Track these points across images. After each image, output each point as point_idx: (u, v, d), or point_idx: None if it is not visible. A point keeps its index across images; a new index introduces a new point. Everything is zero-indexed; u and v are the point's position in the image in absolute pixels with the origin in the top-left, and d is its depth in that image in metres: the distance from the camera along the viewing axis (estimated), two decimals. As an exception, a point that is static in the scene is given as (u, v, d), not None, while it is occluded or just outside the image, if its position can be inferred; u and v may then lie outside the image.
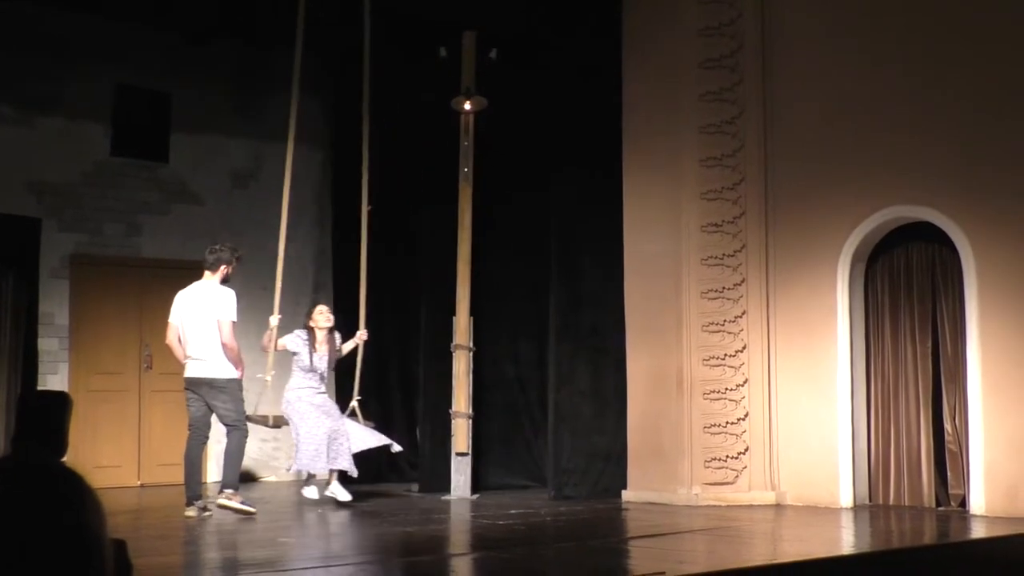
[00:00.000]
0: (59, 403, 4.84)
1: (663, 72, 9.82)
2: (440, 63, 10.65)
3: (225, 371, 8.86)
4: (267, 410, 9.51)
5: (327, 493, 9.50)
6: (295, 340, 9.64)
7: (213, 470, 11.59)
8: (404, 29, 10.66)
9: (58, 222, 11.55)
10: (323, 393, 9.73)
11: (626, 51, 10.09)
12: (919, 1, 8.89)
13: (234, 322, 8.94)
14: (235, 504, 8.78)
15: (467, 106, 10.52)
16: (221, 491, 8.90)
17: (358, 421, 9.71)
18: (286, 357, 9.82)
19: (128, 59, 11.78)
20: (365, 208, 10.04)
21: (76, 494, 1.53)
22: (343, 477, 9.56)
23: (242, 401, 9.06)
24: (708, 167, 9.60)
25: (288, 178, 9.76)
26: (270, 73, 12.67)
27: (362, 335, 9.89)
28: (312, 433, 9.37)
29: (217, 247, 9.28)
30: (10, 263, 10.67)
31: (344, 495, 9.42)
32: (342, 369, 10.24)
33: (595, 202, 10.23)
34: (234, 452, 9.00)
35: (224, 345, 8.80)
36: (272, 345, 9.48)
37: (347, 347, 9.91)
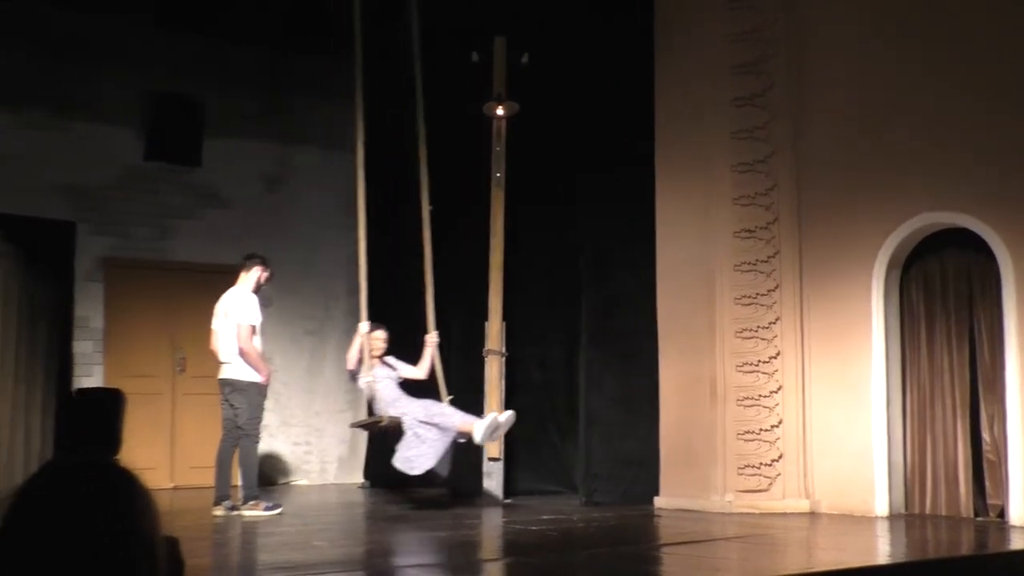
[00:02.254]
0: (113, 400, 4.86)
1: (695, 77, 9.77)
2: (472, 68, 10.65)
3: (245, 374, 9.04)
4: (376, 413, 9.32)
5: (491, 430, 9.10)
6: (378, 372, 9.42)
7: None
8: (436, 34, 10.66)
9: (91, 225, 11.63)
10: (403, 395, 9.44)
11: (658, 56, 10.05)
12: (951, 6, 8.81)
13: (253, 327, 9.05)
14: (258, 513, 8.86)
15: (499, 111, 10.51)
16: (244, 503, 9.00)
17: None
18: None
19: (161, 64, 11.85)
20: (426, 208, 9.81)
21: (130, 493, 1.52)
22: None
23: (258, 408, 9.12)
24: (740, 172, 9.54)
25: (361, 178, 9.52)
26: (300, 78, 12.72)
27: (431, 339, 9.67)
28: (428, 416, 9.09)
29: (251, 254, 9.46)
30: (45, 266, 10.74)
31: (505, 417, 9.18)
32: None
33: (626, 207, 10.20)
34: (243, 460, 9.09)
35: (240, 349, 8.96)
36: (366, 352, 9.25)
37: (424, 365, 9.65)
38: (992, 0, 8.65)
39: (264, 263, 9.40)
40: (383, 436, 9.58)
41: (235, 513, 8.92)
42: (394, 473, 9.61)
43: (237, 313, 9.06)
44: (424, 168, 9.77)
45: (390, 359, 9.71)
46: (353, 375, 9.53)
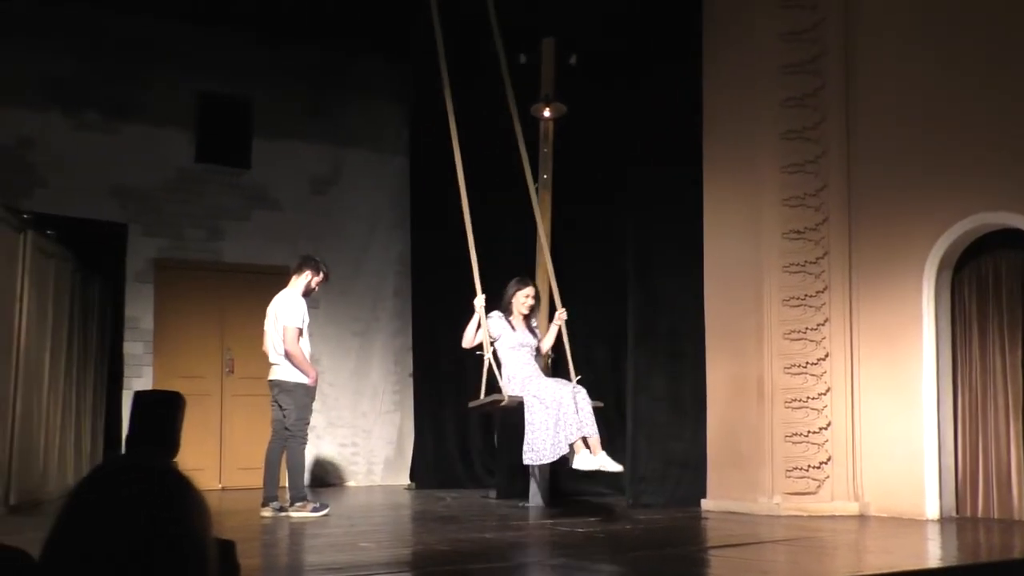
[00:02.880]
0: (173, 403, 4.91)
1: (744, 77, 9.72)
2: (520, 69, 10.65)
3: (292, 375, 9.12)
4: (495, 392, 8.73)
5: (595, 467, 8.51)
6: (496, 323, 9.01)
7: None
8: (484, 35, 10.68)
9: (143, 227, 11.76)
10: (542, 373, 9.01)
11: (706, 56, 10.01)
12: (1006, 4, 8.70)
13: (299, 329, 9.12)
14: (306, 514, 8.92)
15: (546, 113, 10.52)
16: (292, 504, 9.06)
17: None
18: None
19: (211, 66, 11.97)
20: (532, 187, 9.54)
21: (182, 496, 1.54)
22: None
23: (305, 409, 9.17)
24: (790, 173, 9.48)
25: (458, 159, 9.12)
26: (350, 79, 12.80)
27: (561, 315, 9.24)
28: (553, 404, 8.51)
29: (305, 256, 9.53)
30: (97, 267, 10.87)
31: (614, 466, 8.50)
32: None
33: (673, 207, 10.16)
34: (290, 461, 9.16)
35: (286, 351, 9.04)
36: (484, 329, 8.79)
37: (549, 338, 9.32)
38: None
39: (316, 267, 9.43)
40: (497, 421, 8.97)
41: (283, 514, 8.99)
42: (442, 475, 9.63)
43: (284, 315, 9.15)
44: (523, 148, 9.60)
45: (535, 324, 9.32)
46: (477, 351, 8.96)
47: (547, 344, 9.46)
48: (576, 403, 8.55)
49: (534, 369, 9.03)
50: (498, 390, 8.77)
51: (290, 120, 12.50)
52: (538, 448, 8.54)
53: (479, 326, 8.91)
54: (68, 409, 9.96)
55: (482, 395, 8.86)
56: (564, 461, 8.82)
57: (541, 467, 10.17)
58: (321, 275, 9.44)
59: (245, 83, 12.20)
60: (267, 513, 9.03)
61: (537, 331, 9.42)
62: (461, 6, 9.76)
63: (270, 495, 9.14)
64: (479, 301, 8.93)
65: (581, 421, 8.50)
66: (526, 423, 8.61)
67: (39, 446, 9.03)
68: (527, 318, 9.32)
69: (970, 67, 8.80)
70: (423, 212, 12.62)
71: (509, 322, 9.16)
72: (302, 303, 9.26)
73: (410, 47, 11.55)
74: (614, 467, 8.59)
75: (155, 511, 1.49)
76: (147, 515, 1.48)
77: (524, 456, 8.69)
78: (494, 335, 8.97)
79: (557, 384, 8.77)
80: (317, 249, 10.68)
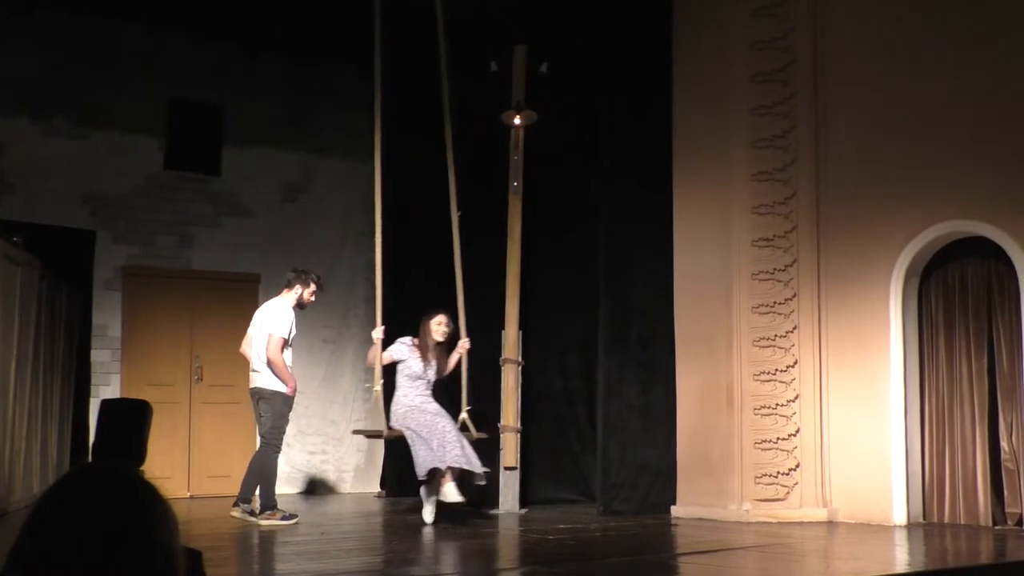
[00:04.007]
0: (140, 411, 4.90)
1: (714, 86, 9.78)
2: (491, 77, 10.67)
3: (271, 383, 9.10)
4: (380, 423, 9.06)
5: (440, 496, 8.96)
6: (400, 348, 9.23)
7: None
8: (455, 43, 10.69)
9: (112, 234, 11.69)
10: (434, 402, 9.25)
11: (676, 65, 10.06)
12: (974, 13, 8.79)
13: (284, 339, 9.09)
14: (275, 522, 8.88)
15: (517, 120, 10.53)
16: (261, 512, 9.01)
17: (470, 433, 9.25)
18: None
19: (181, 72, 11.91)
20: (455, 214, 9.76)
21: (148, 502, 1.53)
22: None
23: (281, 418, 9.15)
24: (759, 181, 9.54)
25: (378, 182, 9.45)
26: (321, 87, 12.76)
27: (464, 344, 9.53)
28: (431, 434, 8.87)
29: (296, 271, 9.51)
30: (65, 275, 10.79)
31: (456, 496, 8.90)
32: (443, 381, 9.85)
33: (644, 215, 10.20)
34: (256, 466, 9.09)
35: (268, 359, 9.02)
36: (378, 359, 9.10)
37: (452, 360, 9.53)
38: (1015, 12, 8.61)
39: (306, 281, 9.38)
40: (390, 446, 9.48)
41: (252, 519, 8.96)
42: (413, 483, 9.61)
43: (271, 323, 9.13)
44: (452, 175, 9.75)
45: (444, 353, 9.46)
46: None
47: (448, 367, 9.52)
48: (456, 438, 8.89)
49: (422, 401, 9.16)
50: (386, 420, 9.06)
51: (261, 127, 12.45)
52: (420, 462, 8.86)
53: (375, 358, 9.14)
54: (35, 417, 9.88)
55: (365, 424, 9.33)
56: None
57: (511, 474, 10.18)
58: (312, 287, 9.42)
59: (215, 90, 12.15)
60: (236, 513, 9.04)
61: (447, 362, 9.50)
62: (428, 12, 9.74)
63: (244, 497, 9.13)
64: (376, 333, 9.16)
65: (457, 456, 8.81)
66: (412, 454, 8.93)
67: (5, 455, 8.95)
68: (440, 346, 9.38)
69: (938, 77, 8.88)
70: (393, 219, 12.59)
71: (420, 352, 9.25)
72: (291, 314, 9.24)
73: (379, 56, 11.52)
74: (455, 497, 8.90)
75: (121, 519, 1.48)
76: (113, 523, 1.47)
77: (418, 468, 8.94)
78: (398, 358, 9.20)
79: (438, 418, 9.01)
80: (287, 256, 10.65)
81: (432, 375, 9.33)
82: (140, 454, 5.12)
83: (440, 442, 8.83)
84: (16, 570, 1.45)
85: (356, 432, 9.84)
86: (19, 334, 9.28)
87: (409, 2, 9.72)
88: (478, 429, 9.34)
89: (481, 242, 10.81)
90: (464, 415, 9.38)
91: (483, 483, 9.18)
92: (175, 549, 1.53)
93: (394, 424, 9.05)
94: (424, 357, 9.23)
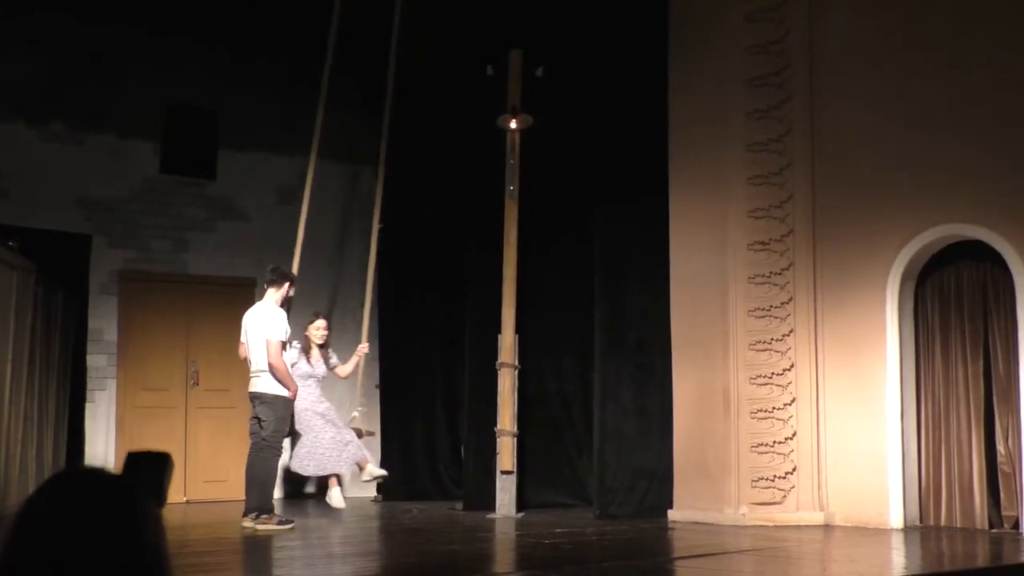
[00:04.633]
0: (161, 462, 4.87)
1: (710, 90, 9.77)
2: (487, 81, 10.67)
3: (272, 387, 9.04)
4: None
5: (326, 499, 10.04)
6: (291, 353, 9.79)
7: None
8: (452, 47, 10.71)
9: (107, 238, 11.67)
10: (324, 401, 10.09)
11: (672, 69, 10.05)
12: (970, 16, 8.80)
13: (282, 342, 9.06)
14: (271, 527, 8.84)
15: (513, 124, 10.53)
16: (258, 516, 8.95)
17: (359, 430, 10.27)
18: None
19: (176, 76, 11.90)
20: (376, 227, 10.57)
21: (136, 508, 1.53)
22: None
23: (283, 421, 9.10)
24: (755, 185, 9.54)
25: (307, 196, 9.73)
26: (317, 90, 12.75)
27: (363, 348, 10.40)
28: (315, 441, 9.85)
29: (275, 267, 9.48)
30: (61, 279, 10.78)
31: (339, 502, 9.93)
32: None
33: (640, 219, 10.20)
34: (259, 472, 9.04)
35: (270, 364, 8.96)
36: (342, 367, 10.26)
37: (348, 367, 10.30)
38: (1012, 15, 8.61)
39: (289, 277, 9.41)
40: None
41: (248, 525, 8.90)
42: (410, 487, 9.68)
43: (267, 329, 9.05)
44: (379, 188, 10.13)
45: (331, 352, 10.26)
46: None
47: (346, 371, 10.35)
48: (339, 444, 9.92)
49: (313, 401, 9.96)
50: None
51: (256, 131, 12.44)
52: (304, 462, 9.97)
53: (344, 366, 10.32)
54: (30, 421, 9.87)
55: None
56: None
57: (508, 478, 10.17)
58: (294, 286, 9.53)
59: (211, 94, 12.14)
60: (247, 523, 8.93)
61: (330, 359, 10.24)
62: (428, 21, 9.75)
63: (249, 507, 9.06)
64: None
65: (337, 460, 9.94)
66: (300, 441, 9.99)
67: (1, 459, 8.94)
68: (322, 348, 10.11)
69: (934, 80, 8.88)
70: (389, 223, 12.59)
71: (305, 353, 10.01)
72: (282, 315, 9.19)
73: (376, 59, 11.52)
74: (338, 501, 10.00)
75: (107, 522, 1.48)
76: (99, 527, 1.47)
77: (292, 463, 10.13)
78: (290, 361, 9.62)
79: (325, 425, 9.93)
80: (283, 260, 10.62)
81: (321, 373, 10.06)
82: (161, 500, 5.17)
83: (324, 450, 9.86)
84: (3, 571, 1.44)
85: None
86: (15, 338, 9.27)
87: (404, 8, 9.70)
88: (367, 431, 10.54)
89: (477, 246, 10.83)
90: (356, 413, 10.41)
91: (370, 479, 10.35)
92: (163, 551, 1.53)
93: (297, 425, 9.87)
94: (308, 358, 9.96)
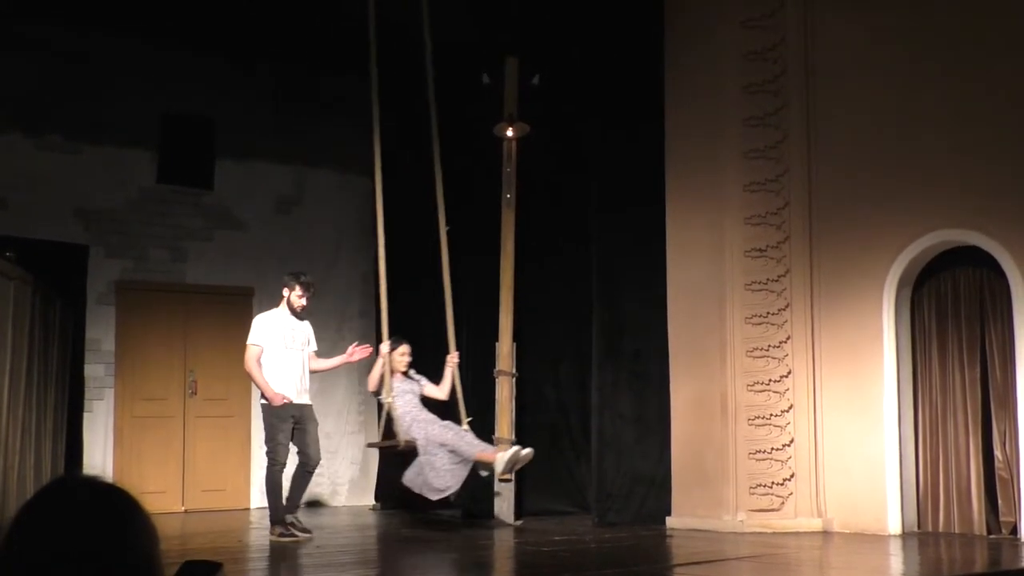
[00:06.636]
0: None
1: (706, 97, 9.79)
2: (483, 89, 10.68)
3: (260, 397, 9.09)
4: (394, 434, 9.23)
5: (509, 465, 9.23)
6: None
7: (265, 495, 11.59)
8: (447, 55, 10.71)
9: (104, 248, 11.66)
10: (425, 411, 9.53)
11: (668, 76, 10.07)
12: (965, 22, 8.82)
13: (254, 346, 9.04)
14: (273, 537, 8.83)
15: (509, 132, 10.54)
16: (272, 528, 8.96)
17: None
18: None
19: (173, 86, 11.89)
20: (443, 229, 9.78)
21: (130, 516, 1.53)
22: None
23: (272, 429, 9.04)
24: (752, 192, 9.55)
25: (379, 194, 9.40)
26: (314, 99, 12.76)
27: (453, 358, 9.72)
28: (428, 462, 9.19)
29: (288, 273, 9.48)
30: (58, 289, 10.77)
31: (502, 463, 9.13)
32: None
33: (637, 226, 10.20)
34: (266, 483, 9.06)
35: (246, 371, 9.04)
36: (384, 372, 9.30)
37: (444, 386, 9.70)
38: (1009, 22, 8.63)
39: (289, 284, 9.32)
40: (400, 458, 9.58)
41: (301, 535, 8.85)
42: (407, 494, 9.64)
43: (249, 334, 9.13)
44: (440, 189, 9.74)
45: (414, 373, 9.77)
46: (376, 395, 9.62)
47: (444, 391, 9.72)
48: (458, 445, 9.20)
49: (421, 412, 9.46)
50: (394, 435, 9.21)
51: (254, 140, 12.44)
52: (434, 483, 9.15)
53: (382, 372, 9.30)
54: (28, 432, 9.85)
55: (379, 438, 9.47)
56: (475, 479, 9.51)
57: (506, 486, 10.16)
58: (298, 289, 9.25)
59: (208, 103, 12.14)
60: (274, 535, 8.89)
61: (419, 379, 9.78)
62: (421, 26, 9.75)
63: (287, 508, 9.05)
64: (384, 347, 9.31)
65: (473, 447, 9.21)
66: (423, 463, 9.19)
67: (-1, 470, 8.93)
68: (405, 374, 9.66)
69: (929, 86, 8.90)
70: (387, 233, 12.59)
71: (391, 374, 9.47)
72: (263, 321, 9.17)
73: (374, 67, 11.53)
74: (524, 451, 9.25)
75: (102, 531, 1.48)
76: (94, 535, 1.47)
77: (411, 483, 9.29)
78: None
79: (444, 426, 9.32)
80: (282, 270, 10.62)
81: (417, 387, 9.62)
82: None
83: (449, 456, 9.16)
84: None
85: (370, 446, 9.89)
86: (12, 349, 9.27)
87: (400, 17, 9.71)
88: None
89: (474, 254, 10.82)
90: (465, 426, 9.48)
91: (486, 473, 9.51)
92: (157, 560, 1.53)
93: (407, 435, 9.22)
94: (401, 377, 9.54)
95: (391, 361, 9.43)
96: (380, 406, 9.50)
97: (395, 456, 9.60)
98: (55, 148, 11.48)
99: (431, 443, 9.18)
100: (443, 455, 9.15)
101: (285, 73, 12.47)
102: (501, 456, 9.17)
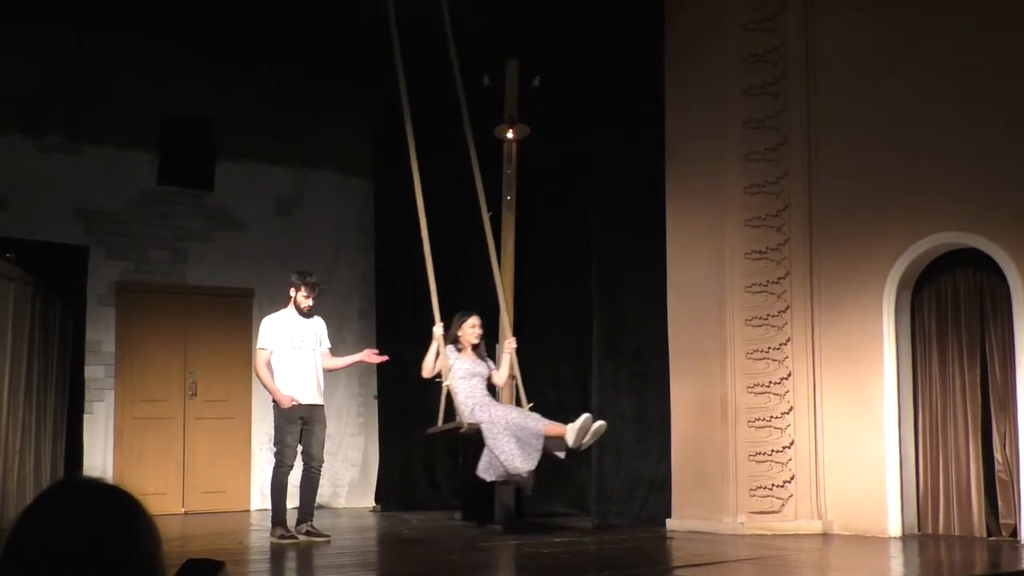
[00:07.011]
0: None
1: (706, 100, 9.79)
2: (483, 91, 10.68)
3: (269, 397, 9.10)
4: (455, 417, 8.95)
5: (580, 437, 8.75)
6: (450, 354, 9.18)
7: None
8: (447, 57, 10.71)
9: (104, 250, 11.66)
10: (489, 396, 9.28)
11: (668, 78, 10.07)
12: (966, 26, 8.82)
13: (262, 350, 9.06)
14: (274, 539, 8.82)
15: (510, 134, 10.54)
16: (273, 528, 8.96)
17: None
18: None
19: (173, 87, 11.89)
20: (486, 215, 9.65)
21: (132, 518, 1.54)
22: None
23: (279, 430, 9.06)
24: (752, 194, 9.55)
25: (417, 181, 9.22)
26: (314, 99, 12.76)
27: (511, 343, 9.41)
28: (509, 431, 8.81)
29: (295, 272, 9.46)
30: (58, 291, 10.77)
31: (572, 435, 8.70)
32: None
33: (637, 227, 10.20)
34: (270, 484, 9.07)
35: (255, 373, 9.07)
36: (437, 358, 9.02)
37: (503, 370, 9.38)
38: (1010, 21, 8.63)
39: (295, 284, 9.29)
40: (461, 443, 9.26)
41: (318, 538, 8.85)
42: (483, 487, 9.58)
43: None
44: (478, 176, 9.67)
45: (484, 353, 9.46)
46: (436, 379, 9.20)
47: (502, 377, 9.46)
48: (524, 422, 8.84)
49: (485, 396, 9.17)
50: (455, 418, 8.95)
51: (254, 141, 12.43)
52: (507, 464, 8.76)
53: (438, 355, 9.06)
54: (28, 433, 9.86)
55: (440, 423, 9.06)
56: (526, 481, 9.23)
57: (506, 487, 10.15)
58: (304, 288, 9.18)
59: (208, 104, 12.14)
60: (300, 537, 8.88)
61: (488, 361, 9.48)
62: (425, 27, 9.76)
63: (300, 516, 9.04)
64: (438, 330, 9.07)
65: (540, 421, 8.84)
66: (488, 447, 8.86)
67: (-1, 471, 8.93)
68: (476, 348, 9.39)
69: (931, 88, 8.91)
70: (388, 234, 12.60)
71: (459, 353, 9.27)
72: (269, 323, 9.17)
73: (374, 70, 11.53)
74: (597, 423, 8.82)
75: (104, 533, 1.48)
76: (96, 537, 1.47)
77: (485, 474, 8.96)
78: (450, 363, 9.08)
79: (508, 408, 9.09)
80: (282, 271, 10.62)
81: (485, 371, 9.31)
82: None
83: (523, 430, 8.79)
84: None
85: (431, 433, 9.43)
86: (12, 350, 9.27)
87: (410, 18, 9.70)
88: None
89: (474, 254, 10.82)
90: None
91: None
92: (159, 561, 1.53)
93: (471, 419, 8.91)
94: (473, 355, 9.24)
95: (463, 336, 9.27)
96: (439, 391, 9.11)
97: (456, 442, 9.16)
98: (55, 149, 11.47)
99: (496, 425, 8.84)
100: (508, 438, 8.79)
101: (285, 73, 12.46)
102: (572, 427, 8.74)
